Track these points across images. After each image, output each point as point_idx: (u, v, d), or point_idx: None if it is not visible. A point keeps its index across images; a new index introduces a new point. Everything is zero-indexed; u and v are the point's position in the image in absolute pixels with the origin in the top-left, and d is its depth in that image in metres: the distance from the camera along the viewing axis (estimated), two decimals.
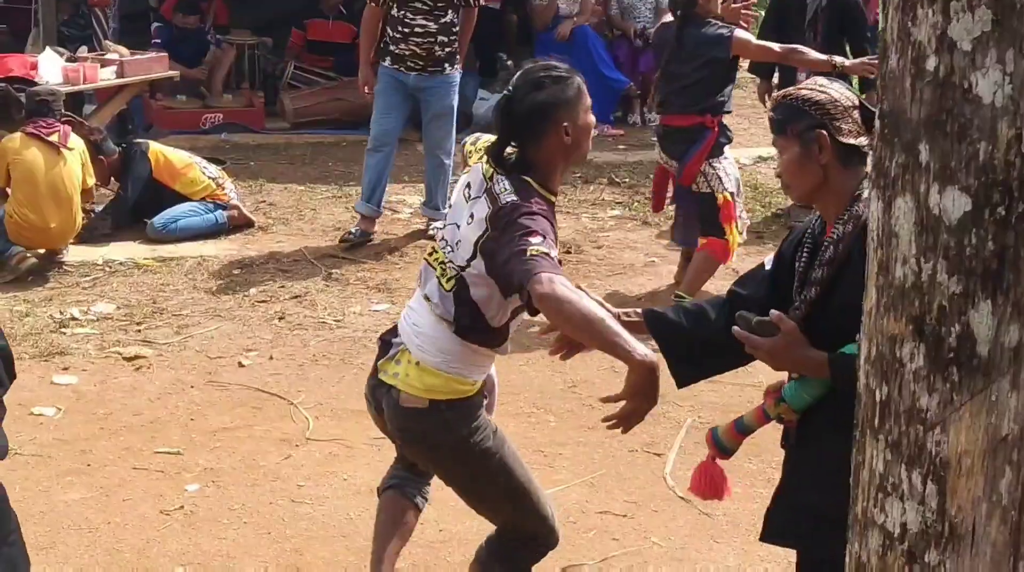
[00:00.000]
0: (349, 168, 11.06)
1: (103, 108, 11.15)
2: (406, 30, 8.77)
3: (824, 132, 3.33)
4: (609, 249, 9.22)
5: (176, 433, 6.11)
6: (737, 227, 7.75)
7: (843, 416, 2.60)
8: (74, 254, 8.68)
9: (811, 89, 3.42)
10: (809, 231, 3.50)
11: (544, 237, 3.64)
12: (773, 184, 10.67)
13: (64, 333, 7.36)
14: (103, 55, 10.82)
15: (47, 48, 11.16)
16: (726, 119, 7.90)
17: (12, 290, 8.10)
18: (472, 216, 3.90)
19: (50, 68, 10.51)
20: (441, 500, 4.76)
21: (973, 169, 2.04)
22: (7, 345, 3.37)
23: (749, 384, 6.70)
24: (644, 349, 3.39)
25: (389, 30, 8.89)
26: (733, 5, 7.84)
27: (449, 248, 3.98)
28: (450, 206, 4.18)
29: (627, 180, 11.03)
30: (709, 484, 3.65)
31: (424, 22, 8.76)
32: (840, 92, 3.40)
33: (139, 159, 9.15)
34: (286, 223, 9.61)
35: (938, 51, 2.06)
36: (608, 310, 3.63)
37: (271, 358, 7.07)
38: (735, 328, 3.35)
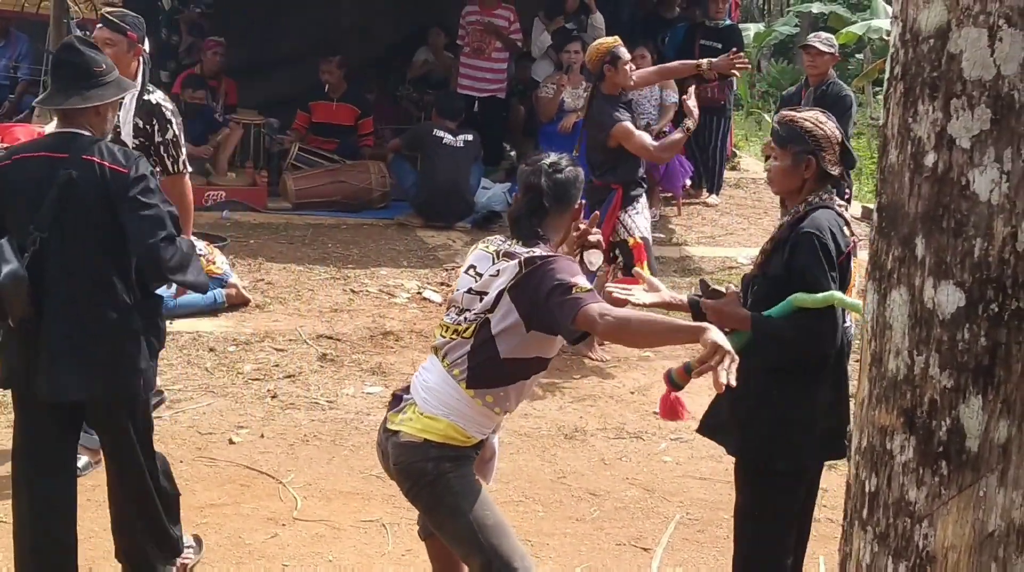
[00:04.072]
0: (348, 250, 11.11)
1: None
2: None
3: (812, 158, 4.40)
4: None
5: None
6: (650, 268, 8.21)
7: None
8: None
9: (812, 122, 4.45)
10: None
11: (580, 280, 4.09)
12: None
13: None
14: None
15: (54, 119, 11.20)
16: None
17: None
18: (497, 273, 4.23)
19: None
20: None
21: (968, 265, 2.06)
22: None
23: None
24: (698, 324, 3.98)
25: None
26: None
27: (457, 311, 4.33)
28: (456, 289, 4.46)
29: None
30: (670, 411, 4.40)
31: None
32: (832, 129, 4.45)
33: None
34: (283, 302, 9.61)
35: (937, 147, 2.09)
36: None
37: (262, 436, 7.05)
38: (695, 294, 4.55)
